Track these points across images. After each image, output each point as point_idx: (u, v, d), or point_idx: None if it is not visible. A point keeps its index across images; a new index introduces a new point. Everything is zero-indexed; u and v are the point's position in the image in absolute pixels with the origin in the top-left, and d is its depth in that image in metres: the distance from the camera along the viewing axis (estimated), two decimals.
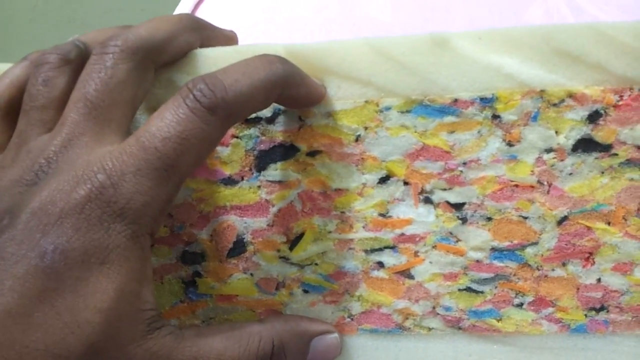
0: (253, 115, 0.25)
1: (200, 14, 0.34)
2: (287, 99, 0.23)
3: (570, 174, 0.24)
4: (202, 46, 0.26)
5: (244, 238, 0.26)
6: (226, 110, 0.22)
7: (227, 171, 0.25)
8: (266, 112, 0.25)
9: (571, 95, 0.24)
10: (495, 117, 0.24)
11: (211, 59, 0.24)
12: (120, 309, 0.21)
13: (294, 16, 0.33)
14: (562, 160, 0.24)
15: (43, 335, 0.20)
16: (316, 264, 0.26)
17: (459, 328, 0.25)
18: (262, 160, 0.26)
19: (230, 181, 0.26)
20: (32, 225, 0.20)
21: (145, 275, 0.22)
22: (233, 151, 0.26)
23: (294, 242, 0.26)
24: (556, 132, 0.24)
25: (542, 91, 0.24)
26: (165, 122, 0.21)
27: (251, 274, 0.26)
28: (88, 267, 0.21)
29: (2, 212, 0.21)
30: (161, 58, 0.24)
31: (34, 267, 0.20)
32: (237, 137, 0.26)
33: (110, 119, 0.23)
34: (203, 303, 0.26)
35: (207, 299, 0.26)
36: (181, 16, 0.24)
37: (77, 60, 0.24)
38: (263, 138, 0.26)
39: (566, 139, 0.24)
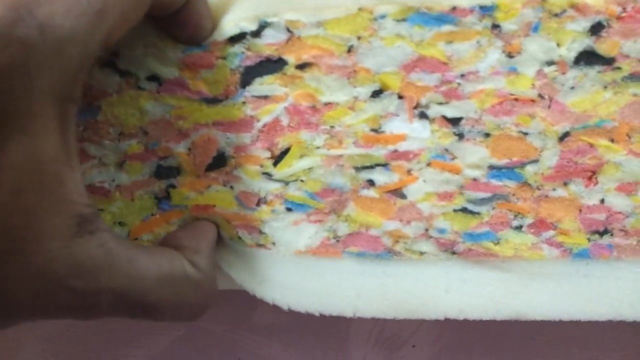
0: (237, 31, 0.25)
1: None
2: (186, 14, 0.24)
3: (572, 87, 0.24)
4: None
5: (225, 152, 0.26)
6: None
7: (211, 92, 0.25)
8: (251, 26, 0.25)
9: (573, 5, 0.24)
10: (495, 26, 0.24)
11: None
12: (37, 191, 0.19)
13: None
14: (563, 73, 0.24)
15: None
16: (301, 181, 0.26)
17: (453, 252, 0.26)
18: (248, 76, 0.26)
19: (213, 100, 0.26)
20: None
21: (70, 156, 0.20)
22: (217, 72, 0.26)
23: (278, 157, 0.26)
24: (557, 44, 0.24)
25: (544, 0, 0.24)
26: None
27: (231, 187, 0.26)
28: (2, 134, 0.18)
29: None
30: None
31: None
32: (221, 58, 0.25)
33: None
34: (177, 212, 0.27)
35: (182, 209, 0.26)
36: None
37: None
38: (249, 53, 0.25)
39: (568, 51, 0.24)
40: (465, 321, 0.25)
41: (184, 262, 0.23)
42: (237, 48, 0.24)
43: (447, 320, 0.25)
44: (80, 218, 0.20)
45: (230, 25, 0.24)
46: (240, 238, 0.25)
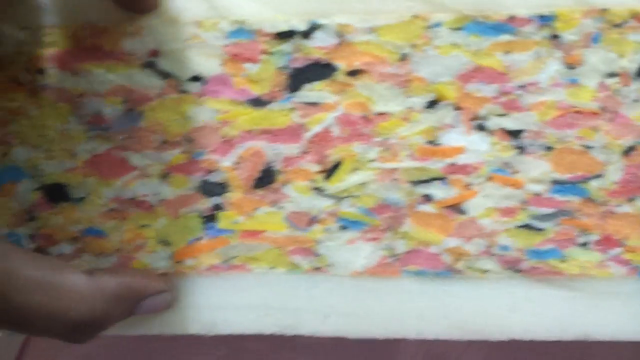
0: (287, 28, 0.26)
1: None
2: None
3: (636, 100, 0.25)
4: None
5: (272, 167, 0.26)
6: None
7: (256, 91, 0.26)
8: (301, 26, 0.26)
9: (634, 16, 0.24)
10: (555, 37, 0.25)
11: None
12: None
13: None
14: (626, 85, 0.25)
15: None
16: (355, 197, 0.26)
17: (518, 270, 0.25)
18: (296, 80, 0.26)
19: (259, 102, 0.26)
20: None
21: None
22: (263, 68, 0.26)
23: (330, 171, 0.26)
24: (619, 55, 0.25)
25: (604, 10, 0.25)
26: None
27: (280, 207, 0.26)
28: None
29: None
30: None
31: None
32: (267, 53, 0.26)
33: None
34: (224, 240, 0.26)
35: (229, 235, 0.26)
36: None
37: None
38: (297, 55, 0.26)
39: (630, 62, 0.24)
40: (513, 341, 0.26)
41: (77, 272, 0.23)
42: (286, 46, 0.24)
43: (500, 342, 0.24)
44: None
45: (279, 19, 0.26)
46: (295, 265, 0.26)
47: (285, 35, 0.26)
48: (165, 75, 0.26)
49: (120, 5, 0.25)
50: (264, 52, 0.26)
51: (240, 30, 0.26)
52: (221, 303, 0.27)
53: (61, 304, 0.22)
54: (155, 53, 0.26)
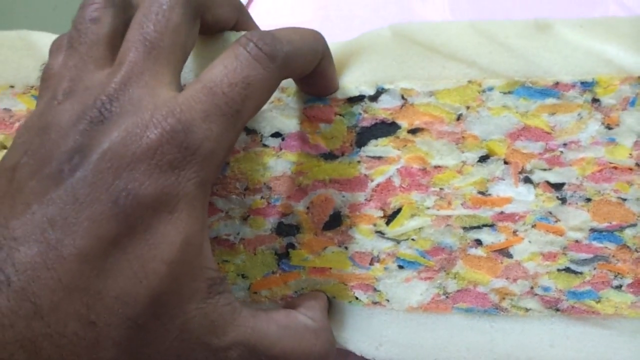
0: (357, 94, 0.29)
1: (254, 8, 0.36)
2: (317, 75, 0.27)
3: None
4: (234, 28, 0.30)
5: (340, 211, 0.29)
6: (284, 61, 0.24)
7: (328, 147, 0.29)
8: (369, 91, 0.29)
9: None
10: (595, 100, 0.28)
11: None
12: (184, 261, 0.22)
13: (350, 15, 0.35)
14: None
15: (114, 281, 0.21)
16: (412, 240, 0.29)
17: (557, 309, 0.28)
18: (363, 136, 0.29)
19: (330, 156, 0.29)
20: (104, 167, 0.21)
21: (206, 228, 0.23)
22: (335, 127, 0.29)
23: (390, 217, 0.29)
24: None
25: None
26: (229, 68, 0.23)
27: (345, 247, 0.29)
28: (158, 215, 0.21)
29: (72, 150, 0.21)
30: (207, 15, 0.27)
31: (108, 210, 0.21)
32: (340, 115, 0.29)
33: (168, 61, 0.24)
34: (295, 274, 0.30)
35: (300, 271, 0.30)
36: None
37: (120, 5, 0.26)
38: (365, 115, 0.29)
39: None
40: None
41: (299, 315, 0.25)
42: (356, 109, 0.27)
43: None
44: (211, 281, 0.24)
45: (351, 87, 0.29)
46: (357, 298, 0.30)
47: (355, 99, 0.29)
48: (250, 131, 0.30)
49: (306, 90, 0.28)
50: (337, 113, 0.29)
51: (318, 97, 0.29)
52: None
53: (308, 344, 0.25)
54: None
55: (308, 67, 0.26)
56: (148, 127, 0.21)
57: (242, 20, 0.30)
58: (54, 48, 0.26)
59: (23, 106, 0.32)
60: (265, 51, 0.23)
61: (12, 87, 0.32)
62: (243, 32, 0.29)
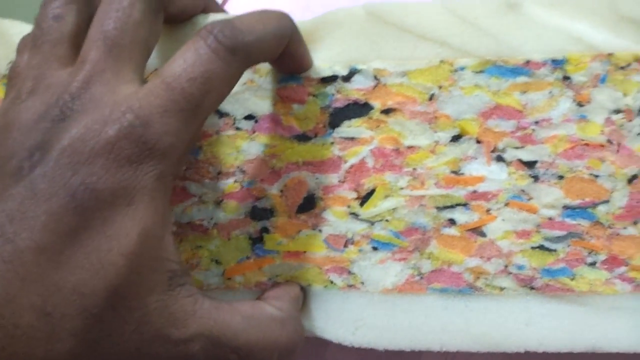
0: (330, 74, 0.29)
1: (233, 2, 0.35)
2: (287, 56, 0.27)
3: (639, 134, 0.27)
4: (202, 12, 0.30)
5: (314, 194, 0.29)
6: (245, 52, 0.24)
7: (302, 128, 0.29)
8: (343, 71, 0.29)
9: (638, 59, 0.27)
10: (566, 78, 0.28)
11: None
12: (143, 253, 0.22)
13: (331, 4, 0.34)
14: (630, 120, 0.27)
15: (71, 273, 0.21)
16: (386, 221, 0.29)
17: (532, 288, 0.28)
18: (337, 117, 0.29)
19: (303, 137, 0.29)
20: (63, 162, 0.21)
21: (167, 220, 0.24)
22: (308, 108, 0.29)
23: (364, 198, 0.29)
24: (624, 94, 0.28)
25: (610, 55, 0.28)
26: (188, 62, 0.23)
27: (320, 230, 0.29)
28: (115, 208, 0.21)
29: (33, 147, 0.22)
30: (170, 7, 0.27)
31: (66, 204, 0.21)
32: (313, 95, 0.29)
33: (130, 58, 0.24)
34: (269, 259, 0.30)
35: (274, 255, 0.30)
36: None
37: (83, 1, 0.26)
38: (338, 96, 0.29)
39: (633, 100, 0.27)
40: (528, 353, 0.28)
41: (265, 305, 0.25)
42: (329, 89, 0.27)
43: (516, 354, 0.26)
44: (172, 273, 0.23)
45: (324, 67, 0.29)
46: (332, 282, 0.30)
47: (328, 80, 0.29)
48: (222, 114, 0.30)
49: (279, 69, 0.28)
50: (310, 94, 0.29)
51: (291, 76, 0.29)
52: None
53: (273, 334, 0.25)
54: None
55: (273, 53, 0.26)
56: (107, 123, 0.21)
57: (209, 5, 0.30)
58: (21, 46, 0.26)
59: None
60: (225, 44, 0.23)
61: None
62: (209, 17, 0.29)
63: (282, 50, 0.26)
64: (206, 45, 0.23)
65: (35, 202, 0.20)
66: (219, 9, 0.31)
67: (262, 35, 0.24)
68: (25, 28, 0.32)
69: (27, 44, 0.25)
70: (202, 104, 0.22)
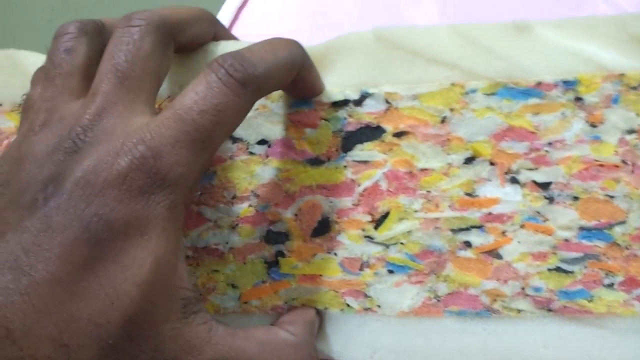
0: (342, 98, 0.29)
1: (243, 18, 0.36)
2: (298, 83, 0.27)
3: None
4: (213, 40, 0.30)
5: (329, 217, 0.30)
6: (256, 84, 0.24)
7: (314, 152, 0.29)
8: (354, 95, 0.29)
9: None
10: (578, 99, 0.28)
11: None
12: (157, 282, 0.22)
13: (339, 22, 0.35)
14: None
15: (86, 304, 0.21)
16: (401, 244, 0.29)
17: (549, 310, 0.28)
18: (349, 141, 0.29)
19: (316, 161, 0.30)
20: (77, 194, 0.22)
21: (180, 248, 0.24)
22: (320, 132, 0.29)
23: (379, 221, 0.29)
24: (636, 114, 0.27)
25: (622, 75, 0.28)
26: (200, 95, 0.23)
27: (335, 254, 0.29)
28: (128, 238, 0.22)
29: (47, 179, 0.22)
30: (180, 38, 0.27)
31: (80, 236, 0.21)
32: (325, 120, 0.29)
33: (141, 90, 0.24)
34: (285, 283, 0.30)
35: (290, 279, 0.30)
36: (197, 7, 0.29)
37: (94, 33, 0.27)
38: (350, 120, 0.29)
39: None
40: None
41: (279, 330, 0.26)
42: (341, 113, 0.27)
43: None
44: (186, 300, 0.23)
45: (336, 91, 0.30)
46: (348, 305, 0.30)
47: (340, 104, 0.29)
48: (236, 139, 0.30)
49: (291, 95, 0.29)
50: (322, 118, 0.30)
51: (303, 101, 0.30)
52: None
53: (286, 359, 0.25)
54: None
55: (284, 82, 0.26)
56: (119, 155, 0.22)
57: (218, 32, 0.30)
58: (35, 79, 0.27)
59: (11, 124, 0.33)
60: (236, 77, 0.23)
61: (0, 105, 0.33)
62: (220, 45, 0.29)
63: (294, 78, 0.26)
64: (217, 78, 0.23)
65: (50, 235, 0.21)
66: (229, 35, 0.32)
67: (272, 65, 0.24)
68: (41, 59, 0.33)
69: (40, 77, 0.26)
70: (213, 136, 0.23)
